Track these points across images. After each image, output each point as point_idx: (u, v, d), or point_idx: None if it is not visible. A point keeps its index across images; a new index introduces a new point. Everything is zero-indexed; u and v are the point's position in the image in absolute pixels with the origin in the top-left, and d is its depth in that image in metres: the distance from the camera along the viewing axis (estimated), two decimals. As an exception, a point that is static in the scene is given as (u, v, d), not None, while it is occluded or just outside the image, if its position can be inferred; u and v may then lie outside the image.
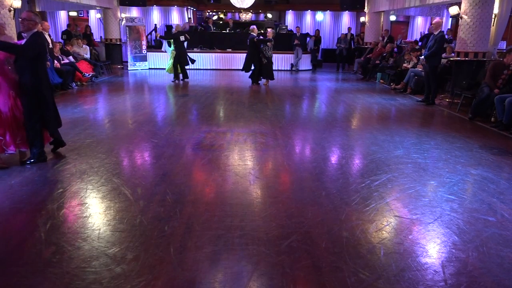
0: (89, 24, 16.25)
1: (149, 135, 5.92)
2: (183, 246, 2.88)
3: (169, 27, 15.08)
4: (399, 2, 12.44)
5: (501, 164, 4.86)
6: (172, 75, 11.95)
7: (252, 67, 11.64)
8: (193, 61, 12.34)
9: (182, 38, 11.54)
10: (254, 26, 12.30)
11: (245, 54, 11.94)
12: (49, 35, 10.39)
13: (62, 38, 13.30)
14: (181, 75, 11.93)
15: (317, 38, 16.97)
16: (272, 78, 11.61)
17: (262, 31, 14.18)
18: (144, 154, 5.17)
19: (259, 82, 11.68)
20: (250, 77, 11.68)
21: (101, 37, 16.46)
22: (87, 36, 14.20)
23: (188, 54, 12.23)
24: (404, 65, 11.07)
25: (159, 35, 14.10)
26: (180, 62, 11.74)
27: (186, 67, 11.98)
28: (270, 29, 12.70)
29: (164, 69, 13.26)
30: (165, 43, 13.00)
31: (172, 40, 11.85)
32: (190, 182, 4.18)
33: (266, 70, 11.44)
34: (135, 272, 2.57)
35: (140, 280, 2.49)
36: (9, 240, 2.96)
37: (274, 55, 15.30)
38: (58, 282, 2.50)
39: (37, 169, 4.43)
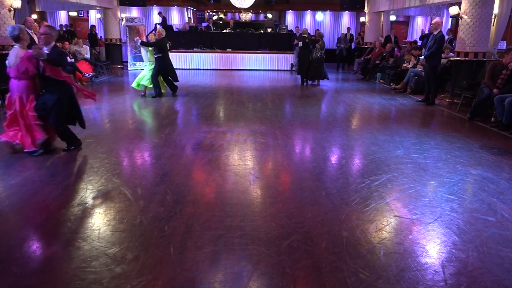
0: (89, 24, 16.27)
1: (149, 135, 5.92)
2: (183, 246, 2.88)
3: (168, 27, 14.80)
4: (399, 2, 12.44)
5: (501, 164, 4.86)
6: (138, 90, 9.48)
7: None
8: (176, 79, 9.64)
9: (169, 45, 9.79)
10: (306, 28, 12.99)
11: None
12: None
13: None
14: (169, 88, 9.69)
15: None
16: (324, 78, 11.92)
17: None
18: (144, 154, 5.17)
19: (309, 82, 12.03)
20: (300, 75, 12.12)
21: (101, 37, 16.47)
22: (93, 36, 14.16)
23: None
24: (404, 65, 11.07)
25: (140, 40, 10.02)
26: (167, 75, 9.45)
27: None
28: (318, 31, 13.20)
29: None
30: (144, 50, 9.55)
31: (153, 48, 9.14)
32: (190, 182, 4.18)
33: (314, 70, 11.75)
34: (135, 272, 2.57)
35: (140, 280, 2.49)
36: (9, 240, 2.96)
37: (274, 55, 15.53)
38: (58, 282, 2.50)
39: (37, 169, 4.43)
